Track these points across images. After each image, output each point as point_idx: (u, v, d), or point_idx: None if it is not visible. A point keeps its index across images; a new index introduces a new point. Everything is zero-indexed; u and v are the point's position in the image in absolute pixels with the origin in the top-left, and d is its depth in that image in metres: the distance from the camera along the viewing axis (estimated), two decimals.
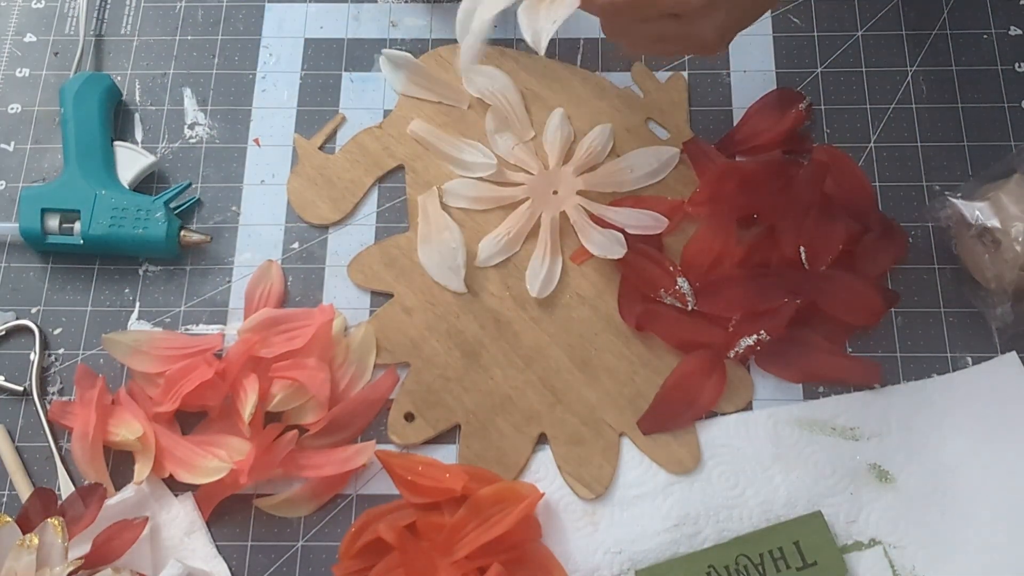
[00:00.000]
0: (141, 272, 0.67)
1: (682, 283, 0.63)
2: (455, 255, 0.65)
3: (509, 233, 0.66)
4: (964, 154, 0.69)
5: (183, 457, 0.60)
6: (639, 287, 0.64)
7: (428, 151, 0.69)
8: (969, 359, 0.63)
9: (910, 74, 0.71)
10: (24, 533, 0.55)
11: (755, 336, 0.62)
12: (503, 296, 0.65)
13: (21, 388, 0.64)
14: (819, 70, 0.71)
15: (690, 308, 0.63)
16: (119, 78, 0.72)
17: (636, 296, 0.64)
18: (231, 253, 0.68)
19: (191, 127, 0.71)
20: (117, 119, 0.71)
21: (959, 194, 0.64)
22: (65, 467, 0.62)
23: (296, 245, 0.68)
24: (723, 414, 0.62)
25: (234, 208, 0.69)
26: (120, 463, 0.62)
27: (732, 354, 0.62)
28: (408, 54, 0.72)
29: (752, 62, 0.72)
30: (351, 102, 0.72)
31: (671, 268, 0.64)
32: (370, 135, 0.70)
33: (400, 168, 0.69)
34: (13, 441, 0.63)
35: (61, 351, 0.65)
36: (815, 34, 0.73)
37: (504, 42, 0.73)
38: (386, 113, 0.71)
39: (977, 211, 0.62)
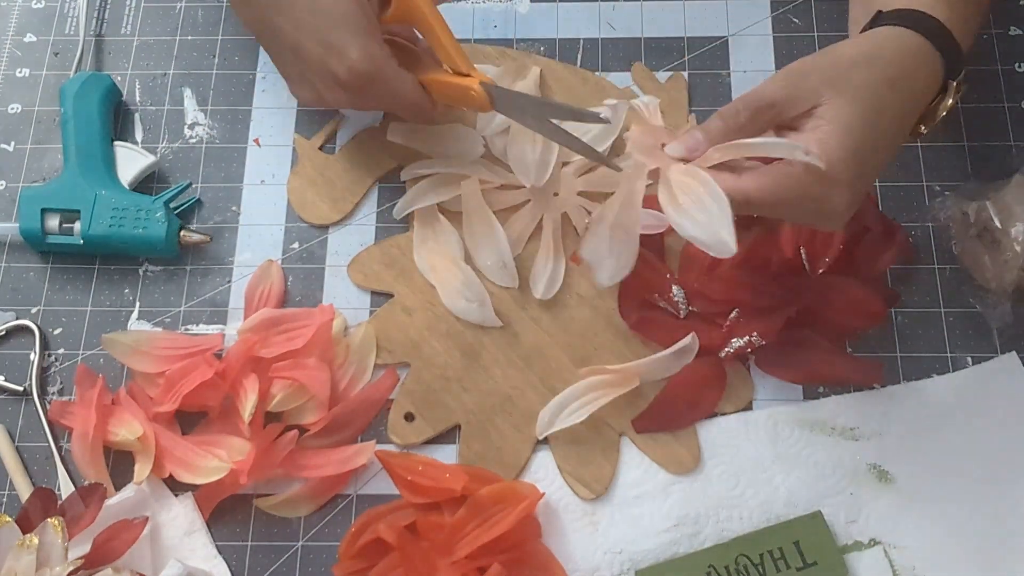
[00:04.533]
0: (141, 272, 0.67)
1: (677, 292, 0.64)
2: (479, 291, 0.65)
3: (511, 236, 0.66)
4: (964, 154, 0.69)
5: (183, 457, 0.60)
6: (636, 291, 0.64)
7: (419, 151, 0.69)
8: (969, 359, 0.63)
9: None
10: (24, 533, 0.55)
11: (747, 337, 0.62)
12: (503, 296, 0.65)
13: (21, 388, 0.64)
14: None
15: (682, 316, 0.63)
16: (119, 78, 0.72)
17: (634, 300, 0.64)
18: (231, 253, 0.68)
19: (191, 127, 0.71)
20: (117, 119, 0.71)
21: (959, 194, 0.64)
22: (65, 467, 0.62)
23: (296, 245, 0.68)
24: (723, 414, 0.62)
25: (234, 208, 0.69)
26: (120, 463, 0.62)
27: (723, 354, 0.62)
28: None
29: (752, 62, 0.72)
30: None
31: (668, 275, 0.64)
32: (370, 135, 0.70)
33: (400, 168, 0.69)
34: (13, 441, 0.63)
35: (61, 351, 0.65)
36: (815, 34, 0.73)
37: (504, 42, 0.73)
38: (386, 113, 0.71)
39: (977, 211, 0.62)
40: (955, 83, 0.57)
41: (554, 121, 0.61)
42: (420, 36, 0.64)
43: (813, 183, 0.52)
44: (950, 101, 0.57)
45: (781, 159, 0.53)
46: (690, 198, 0.53)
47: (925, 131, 0.58)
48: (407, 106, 0.62)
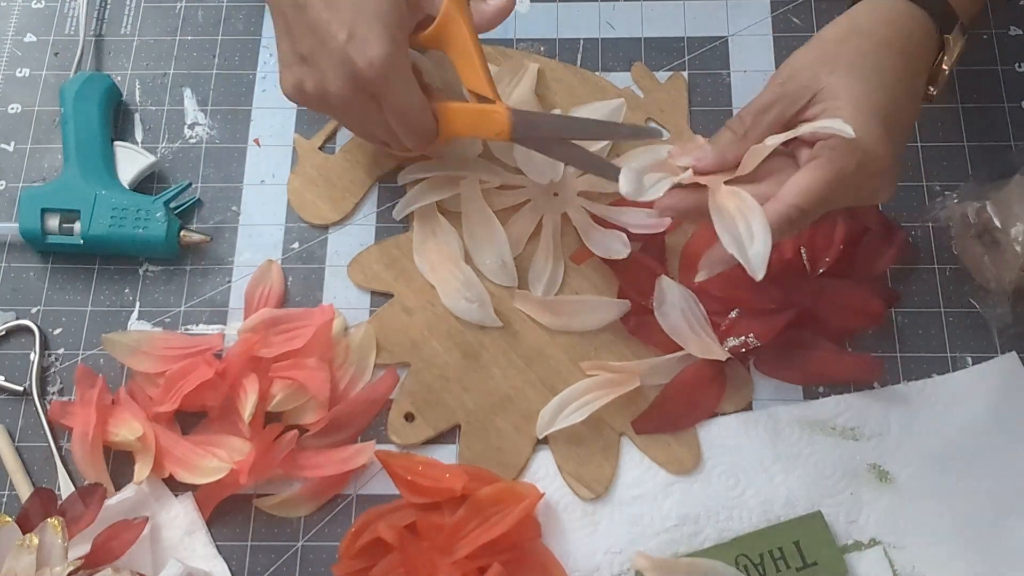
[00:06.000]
0: (141, 272, 0.67)
1: None
2: (479, 291, 0.65)
3: (511, 236, 0.66)
4: (964, 154, 0.69)
5: (183, 457, 0.60)
6: (634, 295, 0.64)
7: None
8: (969, 359, 0.63)
9: None
10: (24, 533, 0.55)
11: (742, 337, 0.62)
12: (503, 296, 0.65)
13: (21, 388, 0.64)
14: None
15: None
16: (119, 78, 0.72)
17: (632, 304, 0.64)
18: (231, 253, 0.68)
19: (191, 127, 0.72)
20: (117, 119, 0.71)
21: (959, 194, 0.64)
22: (65, 467, 0.62)
23: (296, 245, 0.68)
24: (723, 414, 0.62)
25: (234, 208, 0.69)
26: (120, 463, 0.62)
27: None
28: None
29: (752, 62, 0.72)
30: None
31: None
32: None
33: (400, 168, 0.69)
34: (13, 441, 0.63)
35: (61, 351, 0.65)
36: (815, 34, 0.72)
37: (504, 42, 0.73)
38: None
39: (977, 211, 0.62)
40: (950, 37, 0.58)
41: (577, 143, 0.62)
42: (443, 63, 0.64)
43: (848, 161, 0.52)
44: (951, 57, 0.58)
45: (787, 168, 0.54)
46: (737, 220, 0.53)
47: (935, 92, 0.59)
48: (409, 125, 0.60)
